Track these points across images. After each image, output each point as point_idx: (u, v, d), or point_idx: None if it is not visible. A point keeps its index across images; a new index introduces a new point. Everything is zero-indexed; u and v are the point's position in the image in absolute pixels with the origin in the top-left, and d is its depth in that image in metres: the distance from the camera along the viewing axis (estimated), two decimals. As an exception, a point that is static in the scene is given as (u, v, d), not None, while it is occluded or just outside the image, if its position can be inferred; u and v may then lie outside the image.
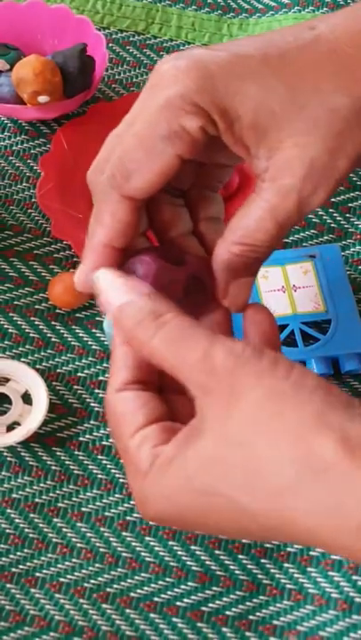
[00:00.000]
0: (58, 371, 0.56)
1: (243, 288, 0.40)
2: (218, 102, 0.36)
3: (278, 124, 0.36)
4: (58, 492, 0.52)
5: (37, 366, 0.56)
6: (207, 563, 0.50)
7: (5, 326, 0.57)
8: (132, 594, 0.50)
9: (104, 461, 0.53)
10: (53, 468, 0.53)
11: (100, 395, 0.55)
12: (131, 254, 0.40)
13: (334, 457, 0.32)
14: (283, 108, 0.36)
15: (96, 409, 0.55)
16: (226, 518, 0.34)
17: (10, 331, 0.57)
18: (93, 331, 0.57)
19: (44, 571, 0.50)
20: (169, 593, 0.50)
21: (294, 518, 0.32)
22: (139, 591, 0.50)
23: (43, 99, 0.60)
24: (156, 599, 0.50)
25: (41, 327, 0.57)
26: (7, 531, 0.51)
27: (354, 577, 0.50)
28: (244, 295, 0.40)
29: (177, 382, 0.40)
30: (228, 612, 0.49)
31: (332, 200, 0.62)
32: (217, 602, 0.50)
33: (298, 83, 0.36)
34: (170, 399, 0.39)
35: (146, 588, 0.50)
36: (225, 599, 0.50)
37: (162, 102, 0.36)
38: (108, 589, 0.50)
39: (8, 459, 0.53)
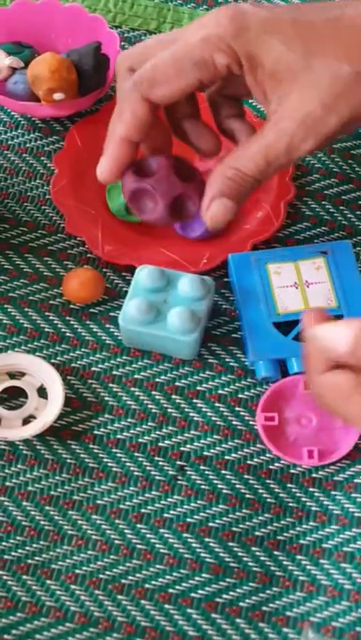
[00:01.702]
0: (72, 365, 0.57)
1: (224, 208, 0.48)
2: (247, 48, 0.45)
3: (291, 78, 0.45)
4: (73, 484, 0.53)
5: (52, 360, 0.57)
6: (221, 555, 0.51)
7: (21, 321, 0.58)
8: (146, 585, 0.50)
9: (119, 454, 0.54)
10: (69, 460, 0.54)
11: (115, 389, 0.56)
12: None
13: None
14: (297, 65, 0.45)
15: (110, 403, 0.55)
16: None
17: (25, 325, 0.58)
18: (107, 326, 0.58)
19: (60, 562, 0.51)
20: (183, 584, 0.50)
21: None
22: (154, 583, 0.51)
23: (58, 96, 0.61)
24: (170, 590, 0.50)
25: (55, 322, 0.58)
26: (23, 523, 0.52)
27: (366, 569, 0.51)
28: (223, 216, 0.48)
29: None
30: (241, 604, 0.50)
31: (343, 198, 0.62)
32: (231, 593, 0.50)
33: (314, 47, 0.45)
34: None
35: (161, 580, 0.51)
36: (239, 590, 0.50)
37: (202, 36, 0.46)
38: (124, 581, 0.51)
39: (24, 452, 0.54)
